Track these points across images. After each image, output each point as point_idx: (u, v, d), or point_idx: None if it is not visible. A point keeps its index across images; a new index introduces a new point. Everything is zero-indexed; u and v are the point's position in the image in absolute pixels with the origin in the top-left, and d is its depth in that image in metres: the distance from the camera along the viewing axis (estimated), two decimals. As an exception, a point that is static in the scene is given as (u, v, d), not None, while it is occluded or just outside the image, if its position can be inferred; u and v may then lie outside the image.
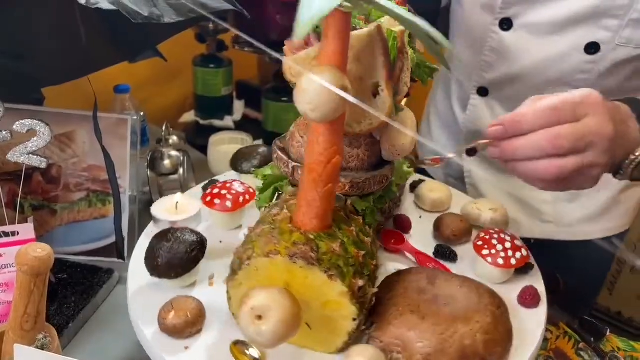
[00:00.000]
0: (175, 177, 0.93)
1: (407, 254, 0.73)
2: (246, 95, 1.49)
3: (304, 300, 0.51)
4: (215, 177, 0.87)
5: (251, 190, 0.75)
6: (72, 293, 0.75)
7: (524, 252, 0.68)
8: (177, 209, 0.74)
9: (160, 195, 0.94)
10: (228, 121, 1.37)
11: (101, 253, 0.83)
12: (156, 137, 1.10)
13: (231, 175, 0.88)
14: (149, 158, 0.94)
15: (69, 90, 0.86)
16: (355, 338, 0.55)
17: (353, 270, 0.52)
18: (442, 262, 0.71)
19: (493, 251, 0.67)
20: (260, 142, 1.15)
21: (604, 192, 0.89)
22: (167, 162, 0.93)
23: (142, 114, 0.91)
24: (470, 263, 0.71)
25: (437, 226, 0.76)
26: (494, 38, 0.81)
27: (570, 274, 0.72)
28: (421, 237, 0.77)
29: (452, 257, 0.72)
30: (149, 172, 0.93)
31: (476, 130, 0.90)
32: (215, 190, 0.73)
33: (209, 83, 1.32)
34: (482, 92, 0.87)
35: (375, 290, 0.55)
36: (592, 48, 0.74)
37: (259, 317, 0.48)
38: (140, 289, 0.64)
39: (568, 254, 0.75)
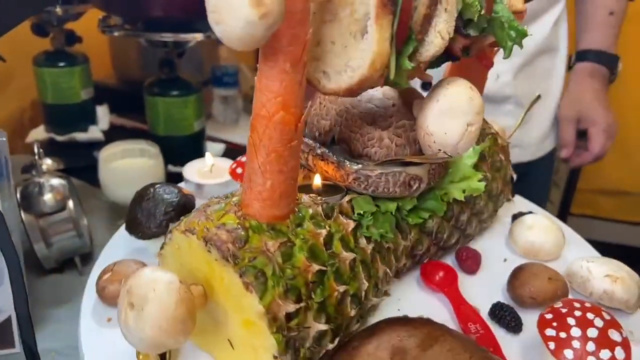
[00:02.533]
0: (64, 214, 0.67)
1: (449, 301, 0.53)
2: (104, 98, 1.21)
3: (224, 309, 0.40)
4: None
5: None
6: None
7: (625, 350, 0.41)
8: (211, 171, 0.71)
9: (45, 243, 0.67)
10: (94, 132, 1.08)
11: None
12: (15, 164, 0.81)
13: None
14: (18, 195, 0.67)
15: None
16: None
17: (285, 285, 0.37)
18: (493, 328, 0.50)
19: (563, 334, 0.40)
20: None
21: (549, 111, 0.97)
22: (48, 196, 0.67)
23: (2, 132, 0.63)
24: (538, 341, 0.44)
25: (512, 277, 0.55)
26: None
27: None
28: (487, 286, 0.57)
29: (514, 327, 0.50)
30: (22, 214, 0.66)
31: None
32: (245, 158, 0.57)
33: (61, 87, 1.02)
34: None
35: (324, 327, 0.39)
36: None
37: (132, 306, 0.36)
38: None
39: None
